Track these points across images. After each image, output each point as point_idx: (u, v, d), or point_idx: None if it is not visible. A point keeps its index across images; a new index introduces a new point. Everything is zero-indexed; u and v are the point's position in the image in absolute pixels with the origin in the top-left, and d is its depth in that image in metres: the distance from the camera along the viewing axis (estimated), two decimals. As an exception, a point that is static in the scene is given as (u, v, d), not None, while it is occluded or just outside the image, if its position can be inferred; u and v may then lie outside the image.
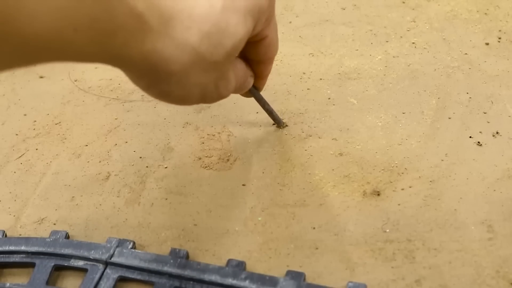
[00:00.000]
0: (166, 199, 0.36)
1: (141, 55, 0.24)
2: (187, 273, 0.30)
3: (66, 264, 0.32)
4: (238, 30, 0.26)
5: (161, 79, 0.26)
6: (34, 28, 0.20)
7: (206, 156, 0.39)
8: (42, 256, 0.32)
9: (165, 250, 0.33)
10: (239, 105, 0.43)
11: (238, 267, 0.31)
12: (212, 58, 0.26)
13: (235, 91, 0.32)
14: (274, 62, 0.47)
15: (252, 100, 0.44)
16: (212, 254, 0.33)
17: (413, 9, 0.52)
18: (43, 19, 0.20)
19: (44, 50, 0.21)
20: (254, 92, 0.36)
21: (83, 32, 0.21)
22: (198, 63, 0.26)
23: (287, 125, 0.40)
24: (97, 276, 0.31)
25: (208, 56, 0.26)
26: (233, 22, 0.26)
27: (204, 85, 0.28)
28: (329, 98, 0.43)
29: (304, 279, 0.30)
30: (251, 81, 0.34)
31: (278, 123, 0.40)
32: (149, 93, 0.28)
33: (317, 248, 0.32)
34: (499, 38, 0.48)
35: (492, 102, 0.42)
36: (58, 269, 0.32)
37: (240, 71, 0.32)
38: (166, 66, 0.25)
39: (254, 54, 0.32)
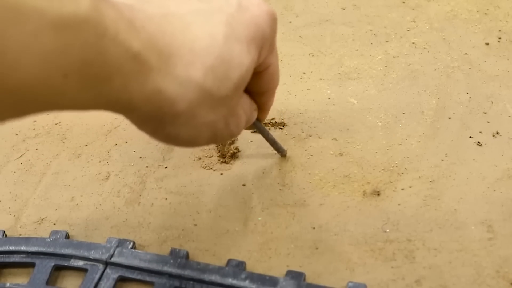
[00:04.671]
0: (166, 199, 0.36)
1: (142, 98, 0.22)
2: (187, 273, 0.30)
3: (66, 264, 0.32)
4: (243, 60, 0.25)
5: (167, 121, 0.24)
6: (17, 78, 0.18)
7: (206, 156, 0.39)
8: (42, 256, 0.32)
9: (165, 250, 0.33)
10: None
11: (238, 267, 0.31)
12: (220, 92, 0.24)
13: None
14: (274, 62, 0.47)
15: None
16: (212, 254, 0.33)
17: (413, 9, 0.52)
18: (28, 67, 0.18)
19: (31, 101, 0.19)
20: (257, 124, 0.34)
21: (74, 78, 0.19)
22: (205, 100, 0.24)
23: (286, 154, 0.38)
24: (97, 276, 0.31)
25: (215, 91, 0.24)
26: (237, 52, 0.24)
27: (213, 124, 0.26)
28: (329, 98, 0.43)
29: (304, 279, 0.30)
30: (255, 115, 0.32)
31: (281, 151, 0.38)
32: (155, 138, 0.26)
33: (317, 248, 0.32)
34: (499, 38, 0.48)
35: (492, 102, 0.42)
36: (58, 269, 0.32)
37: (246, 104, 0.30)
38: (171, 106, 0.23)
39: (257, 85, 0.30)
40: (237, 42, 0.24)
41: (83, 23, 0.19)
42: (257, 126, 0.34)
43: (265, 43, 0.27)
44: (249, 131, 0.40)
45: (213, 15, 0.24)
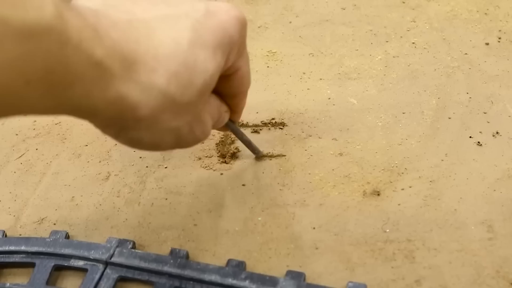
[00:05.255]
0: (166, 199, 0.36)
1: (105, 104, 0.22)
2: (187, 273, 0.30)
3: (66, 264, 0.32)
4: (207, 66, 0.25)
5: (130, 126, 0.24)
6: None
7: (206, 156, 0.39)
8: (42, 256, 0.32)
9: (165, 250, 0.33)
10: (239, 105, 0.43)
11: (238, 267, 0.31)
12: (183, 99, 0.24)
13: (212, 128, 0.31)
14: (274, 62, 0.47)
15: (252, 100, 0.44)
16: (212, 254, 0.33)
17: (413, 9, 0.52)
18: None
19: None
20: (230, 125, 0.34)
21: (36, 85, 0.19)
22: (169, 106, 0.24)
23: (265, 155, 0.38)
24: (97, 276, 0.31)
25: (178, 97, 0.24)
26: (201, 58, 0.24)
27: (177, 130, 0.26)
28: (329, 98, 0.43)
29: (304, 279, 0.30)
30: (226, 117, 0.32)
31: (256, 153, 0.38)
32: (119, 141, 0.26)
33: (317, 248, 0.32)
34: (499, 38, 0.48)
35: (492, 102, 0.42)
36: (58, 269, 0.32)
37: (214, 108, 0.30)
38: (133, 112, 0.23)
39: (227, 88, 0.30)
40: (202, 48, 0.24)
41: (47, 31, 0.19)
42: (231, 127, 0.34)
43: (233, 48, 0.27)
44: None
45: (179, 20, 0.24)
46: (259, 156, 0.38)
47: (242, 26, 0.27)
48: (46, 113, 0.22)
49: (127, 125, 0.24)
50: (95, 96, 0.22)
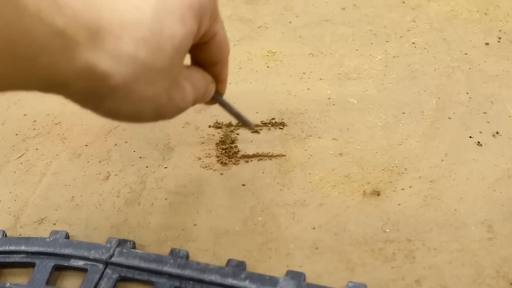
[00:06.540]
0: (166, 199, 0.36)
1: (73, 74, 0.22)
2: (187, 273, 0.30)
3: (66, 264, 0.32)
4: (175, 31, 0.24)
5: (105, 97, 0.24)
6: None
7: (206, 156, 0.39)
8: (42, 256, 0.32)
9: (165, 250, 0.33)
10: (238, 105, 0.43)
11: (238, 267, 0.31)
12: (155, 64, 0.24)
13: (199, 101, 0.30)
14: (274, 62, 0.47)
15: (252, 100, 0.44)
16: (212, 254, 0.33)
17: (413, 9, 0.52)
18: None
19: None
20: (218, 98, 0.33)
21: (1, 59, 0.20)
22: (142, 73, 0.24)
23: (256, 127, 0.38)
24: (97, 276, 0.31)
25: (149, 62, 0.24)
26: (167, 23, 0.24)
27: (155, 98, 0.26)
28: (329, 98, 0.43)
29: (304, 279, 0.30)
30: (212, 88, 0.31)
31: (248, 125, 0.37)
32: (99, 114, 0.26)
33: (317, 248, 0.32)
34: (499, 38, 0.48)
35: (492, 102, 0.42)
36: (58, 269, 0.32)
37: (197, 80, 0.29)
38: (105, 80, 0.23)
39: (207, 56, 0.30)
40: (168, 14, 0.24)
41: (2, 2, 0.19)
42: (218, 100, 0.34)
43: (204, 12, 0.26)
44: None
45: None
46: (251, 128, 0.38)
47: None
48: (16, 88, 0.22)
49: (102, 96, 0.24)
50: (63, 66, 0.22)
